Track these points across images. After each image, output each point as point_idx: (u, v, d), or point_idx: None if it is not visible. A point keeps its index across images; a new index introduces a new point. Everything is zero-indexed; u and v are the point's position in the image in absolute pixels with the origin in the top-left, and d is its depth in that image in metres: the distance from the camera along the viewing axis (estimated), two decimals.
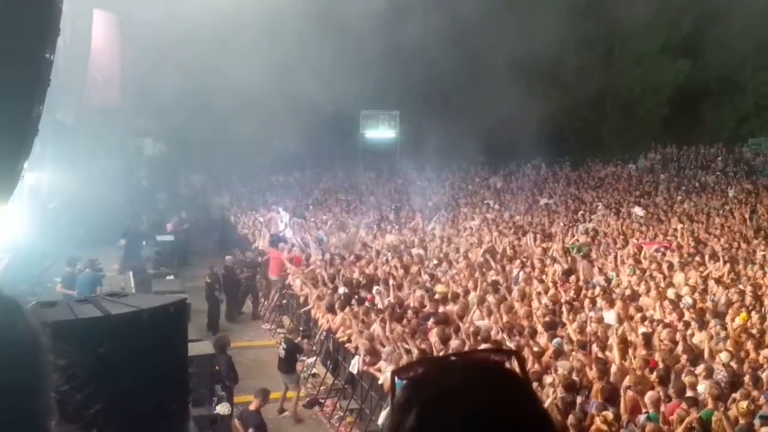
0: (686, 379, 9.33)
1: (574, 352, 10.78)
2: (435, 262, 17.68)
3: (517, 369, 1.17)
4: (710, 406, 8.71)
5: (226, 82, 26.01)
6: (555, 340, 11.20)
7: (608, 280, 15.51)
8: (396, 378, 1.15)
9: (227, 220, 27.51)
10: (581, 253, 18.29)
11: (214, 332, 16.25)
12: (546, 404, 8.96)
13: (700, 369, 9.69)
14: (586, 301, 13.68)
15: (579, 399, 9.31)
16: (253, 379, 14.41)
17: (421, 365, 1.17)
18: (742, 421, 8.35)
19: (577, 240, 20.12)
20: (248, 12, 24.88)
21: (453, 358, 1.21)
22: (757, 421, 8.22)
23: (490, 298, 13.54)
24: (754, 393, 9.00)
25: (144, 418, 6.36)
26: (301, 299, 17.07)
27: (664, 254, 17.67)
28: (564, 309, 13.03)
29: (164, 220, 24.99)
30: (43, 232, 18.03)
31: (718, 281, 14.89)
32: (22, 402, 1.07)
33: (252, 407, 10.79)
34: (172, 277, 18.94)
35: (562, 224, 23.01)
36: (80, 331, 6.19)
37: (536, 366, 10.37)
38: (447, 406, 1.06)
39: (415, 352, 11.07)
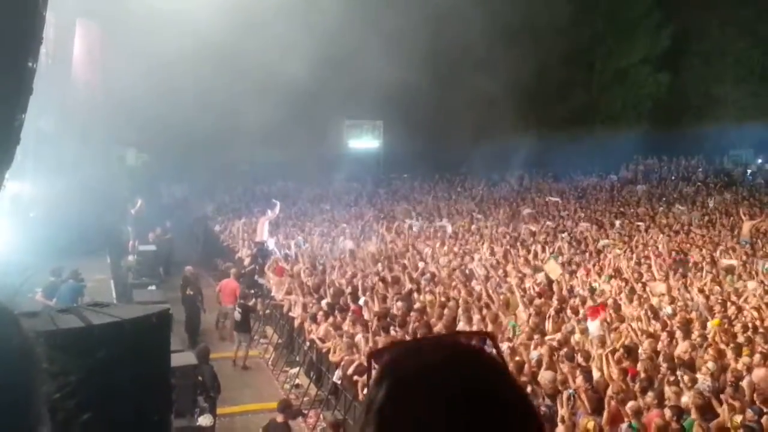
0: (671, 388, 9.40)
1: (559, 362, 10.83)
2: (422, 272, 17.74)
3: (492, 351, 1.20)
4: (693, 416, 8.77)
5: (209, 92, 25.97)
6: (533, 353, 11.22)
7: (592, 290, 15.59)
8: (372, 362, 1.18)
9: (210, 230, 27.37)
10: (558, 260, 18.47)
11: (195, 343, 16.16)
12: None
13: (686, 378, 9.75)
14: (569, 311, 13.76)
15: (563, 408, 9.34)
16: (235, 389, 14.36)
17: (395, 347, 1.20)
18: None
19: (559, 251, 20.21)
20: (229, 24, 24.88)
21: (426, 340, 1.24)
22: None
23: (475, 310, 13.58)
24: (736, 404, 9.07)
25: (126, 430, 6.30)
26: (285, 308, 17.04)
27: (649, 265, 17.75)
28: (548, 319, 13.11)
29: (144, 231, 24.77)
30: (24, 242, 17.85)
31: (700, 291, 15.02)
32: (17, 412, 1.06)
33: (279, 420, 10.76)
34: (153, 287, 18.81)
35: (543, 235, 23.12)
36: (62, 341, 6.13)
37: (521, 377, 10.39)
38: (416, 383, 1.08)
39: None
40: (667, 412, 8.63)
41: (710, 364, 10.33)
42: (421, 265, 18.57)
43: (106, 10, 24.68)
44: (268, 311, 18.61)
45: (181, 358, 11.20)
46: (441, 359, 1.12)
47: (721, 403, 9.10)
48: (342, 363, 12.72)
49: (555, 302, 14.33)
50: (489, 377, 1.11)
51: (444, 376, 1.08)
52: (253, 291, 18.32)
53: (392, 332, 12.94)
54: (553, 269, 16.97)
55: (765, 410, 8.75)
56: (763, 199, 29.19)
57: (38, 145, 19.12)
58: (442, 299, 14.76)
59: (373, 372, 1.17)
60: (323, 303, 15.24)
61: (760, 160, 40.53)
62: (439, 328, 12.94)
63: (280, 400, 11.32)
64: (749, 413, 8.54)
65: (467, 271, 17.51)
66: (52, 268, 16.49)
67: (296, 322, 15.91)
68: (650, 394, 9.18)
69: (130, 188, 31.24)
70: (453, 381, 1.08)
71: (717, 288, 15.39)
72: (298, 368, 15.57)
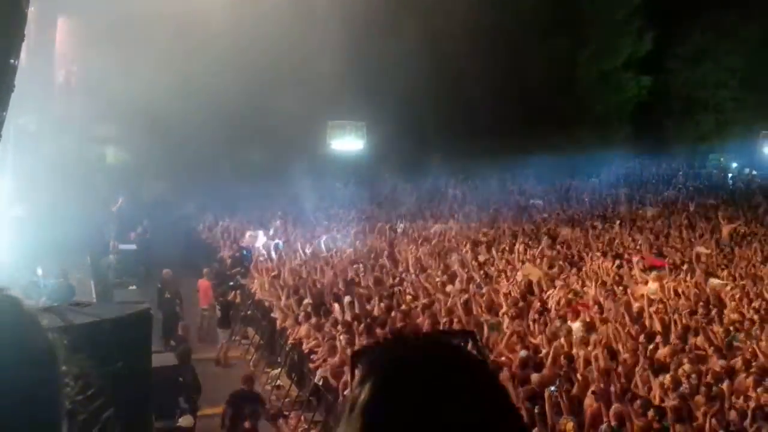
0: (654, 389, 9.46)
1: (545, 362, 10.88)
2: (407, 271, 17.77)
3: (473, 349, 1.20)
4: (669, 417, 8.83)
5: (192, 90, 25.83)
6: (521, 352, 11.26)
7: (575, 293, 15.62)
8: (355, 361, 1.19)
9: (192, 230, 27.20)
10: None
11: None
12: None
13: (667, 381, 9.79)
14: (552, 312, 13.81)
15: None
16: (216, 390, 14.26)
17: (377, 347, 1.21)
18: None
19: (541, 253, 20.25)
20: (215, 21, 24.79)
21: (408, 339, 1.24)
22: None
23: (457, 312, 13.60)
24: (714, 406, 9.13)
25: (106, 430, 6.23)
26: (266, 308, 16.99)
27: (630, 268, 17.81)
28: (531, 321, 13.16)
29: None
30: (5, 241, 17.69)
31: (681, 293, 15.11)
32: (41, 414, 1.07)
33: (247, 425, 10.65)
34: (134, 287, 18.67)
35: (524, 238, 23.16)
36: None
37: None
38: (399, 381, 1.08)
39: None
40: (650, 413, 8.68)
41: (686, 366, 10.39)
42: (403, 266, 18.57)
43: (88, 7, 24.51)
44: (249, 312, 18.53)
45: (162, 358, 11.14)
46: (424, 357, 1.12)
47: (698, 406, 9.16)
48: (323, 364, 12.70)
49: (537, 304, 14.37)
50: (472, 375, 1.12)
51: (427, 375, 1.08)
52: (231, 283, 18.63)
53: (375, 332, 12.92)
54: (531, 271, 17.06)
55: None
56: (743, 203, 29.50)
57: (19, 143, 18.95)
58: (425, 301, 14.75)
59: (356, 372, 1.16)
60: (305, 303, 15.18)
61: (735, 165, 40.98)
62: (424, 329, 12.94)
63: (243, 375, 11.76)
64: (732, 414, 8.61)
65: (450, 272, 17.51)
66: (31, 268, 16.40)
67: (278, 323, 15.84)
68: (636, 397, 9.23)
69: (110, 186, 31.01)
70: (436, 379, 1.08)
71: (696, 290, 15.49)
72: (279, 369, 15.51)
